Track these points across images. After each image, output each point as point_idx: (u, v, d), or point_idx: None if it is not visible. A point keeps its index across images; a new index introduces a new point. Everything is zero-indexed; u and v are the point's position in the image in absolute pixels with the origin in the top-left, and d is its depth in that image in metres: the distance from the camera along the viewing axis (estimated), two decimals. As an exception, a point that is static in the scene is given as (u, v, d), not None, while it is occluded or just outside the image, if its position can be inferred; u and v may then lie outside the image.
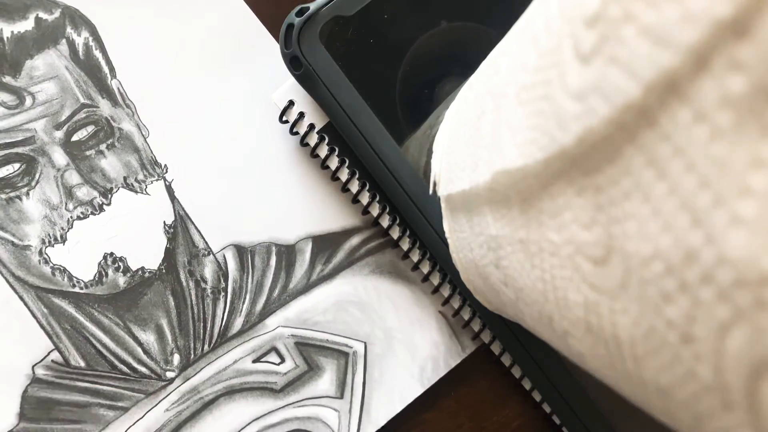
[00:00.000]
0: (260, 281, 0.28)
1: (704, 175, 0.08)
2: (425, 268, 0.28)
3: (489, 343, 0.28)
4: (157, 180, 0.28)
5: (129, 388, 0.27)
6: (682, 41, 0.08)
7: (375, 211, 0.28)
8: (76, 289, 0.27)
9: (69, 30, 0.29)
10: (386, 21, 0.27)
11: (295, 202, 0.29)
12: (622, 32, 0.09)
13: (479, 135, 0.17)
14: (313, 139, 0.27)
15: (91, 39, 0.29)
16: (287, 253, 0.29)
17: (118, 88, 0.29)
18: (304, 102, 0.28)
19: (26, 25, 0.28)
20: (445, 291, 0.28)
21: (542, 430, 0.29)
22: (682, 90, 0.08)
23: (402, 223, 0.28)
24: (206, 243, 0.28)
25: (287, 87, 0.28)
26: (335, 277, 0.29)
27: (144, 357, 0.27)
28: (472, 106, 0.18)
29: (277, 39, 0.29)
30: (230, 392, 0.28)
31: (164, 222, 0.28)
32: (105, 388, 0.27)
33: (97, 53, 0.29)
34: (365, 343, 0.28)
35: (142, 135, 0.29)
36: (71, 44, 0.28)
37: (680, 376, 0.10)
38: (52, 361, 0.27)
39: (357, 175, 0.27)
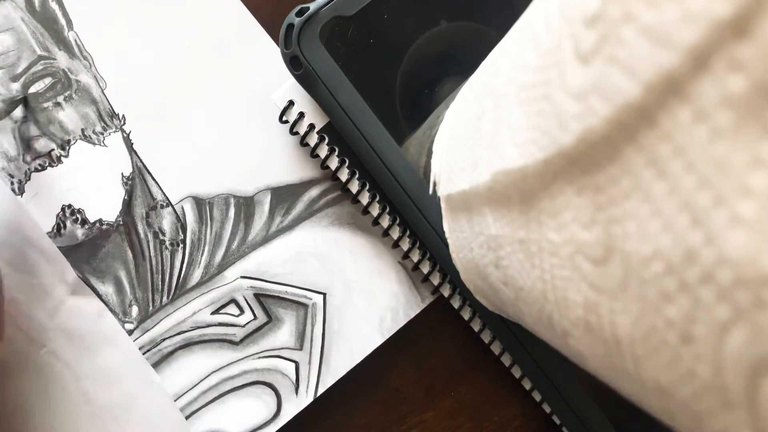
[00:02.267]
0: (219, 233, 0.28)
1: (704, 175, 0.08)
2: (425, 268, 0.28)
3: (489, 342, 0.28)
4: (114, 132, 0.28)
5: None
6: (682, 41, 0.08)
7: (375, 211, 0.28)
8: None
9: None
10: (386, 21, 0.27)
11: (254, 155, 0.29)
12: (622, 32, 0.09)
13: (479, 135, 0.17)
14: (313, 139, 0.27)
15: None
16: (246, 205, 0.29)
17: (75, 40, 0.29)
18: (304, 102, 0.27)
19: None
20: (446, 291, 0.28)
21: (542, 430, 0.29)
22: (682, 90, 0.08)
23: (402, 223, 0.28)
24: (164, 195, 0.28)
25: (287, 87, 0.28)
26: (295, 229, 0.29)
27: None
28: (472, 106, 0.18)
29: (276, 39, 0.29)
30: (189, 344, 0.27)
31: (122, 174, 0.28)
32: None
33: (53, 4, 0.28)
34: (324, 294, 0.28)
35: (100, 87, 0.28)
36: None
37: (680, 376, 0.10)
38: None
39: (357, 175, 0.27)
